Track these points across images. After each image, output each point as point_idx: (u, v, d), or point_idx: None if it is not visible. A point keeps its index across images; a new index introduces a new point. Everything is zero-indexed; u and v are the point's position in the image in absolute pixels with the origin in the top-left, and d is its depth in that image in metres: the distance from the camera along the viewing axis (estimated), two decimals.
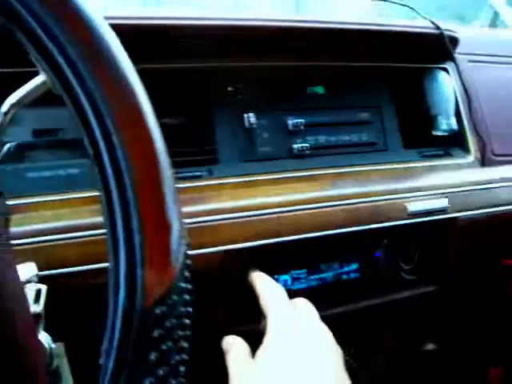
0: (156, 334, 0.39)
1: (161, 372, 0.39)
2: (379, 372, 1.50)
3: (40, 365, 0.47)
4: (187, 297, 0.41)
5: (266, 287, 0.73)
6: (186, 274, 0.42)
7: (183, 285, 0.41)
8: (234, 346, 0.68)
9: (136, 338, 0.38)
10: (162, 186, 0.40)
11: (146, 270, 0.38)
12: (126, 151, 0.39)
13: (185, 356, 0.42)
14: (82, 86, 0.39)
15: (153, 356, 0.38)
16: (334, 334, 0.66)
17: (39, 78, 0.65)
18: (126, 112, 0.40)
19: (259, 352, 0.63)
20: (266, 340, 0.64)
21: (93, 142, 0.39)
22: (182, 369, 0.41)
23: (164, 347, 0.39)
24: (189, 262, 0.43)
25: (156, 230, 0.39)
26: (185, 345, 0.41)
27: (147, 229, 0.39)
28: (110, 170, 0.39)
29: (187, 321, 0.42)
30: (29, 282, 0.66)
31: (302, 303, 0.71)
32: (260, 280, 0.75)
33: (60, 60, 0.38)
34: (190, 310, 0.42)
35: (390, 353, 1.58)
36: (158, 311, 0.39)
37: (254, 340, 0.65)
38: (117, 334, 0.38)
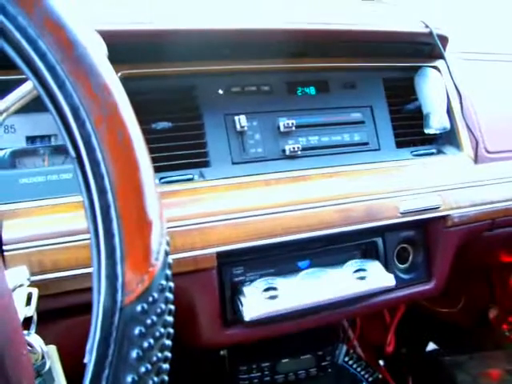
0: (137, 331, 0.39)
1: (142, 369, 0.39)
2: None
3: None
4: (169, 294, 0.42)
5: None
6: (168, 272, 0.42)
7: (164, 282, 0.41)
8: None
9: (117, 335, 0.38)
10: (141, 188, 0.41)
11: (126, 268, 0.39)
12: (106, 154, 0.39)
13: (167, 353, 0.42)
14: (61, 90, 0.39)
15: (134, 353, 0.39)
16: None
17: (27, 85, 0.66)
18: (105, 114, 0.40)
19: None
20: None
21: (74, 145, 0.40)
22: (164, 366, 0.42)
23: (145, 344, 0.39)
24: (170, 260, 0.43)
25: (135, 230, 0.40)
26: (167, 342, 0.42)
27: (126, 229, 0.39)
28: (90, 173, 0.40)
29: (169, 318, 0.42)
30: (20, 285, 0.66)
31: None
32: None
33: (40, 65, 0.39)
34: (172, 307, 0.43)
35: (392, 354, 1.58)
36: (138, 308, 0.39)
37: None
38: (98, 332, 0.39)
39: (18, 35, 0.38)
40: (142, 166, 0.41)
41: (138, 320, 0.39)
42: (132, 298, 0.39)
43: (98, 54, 0.42)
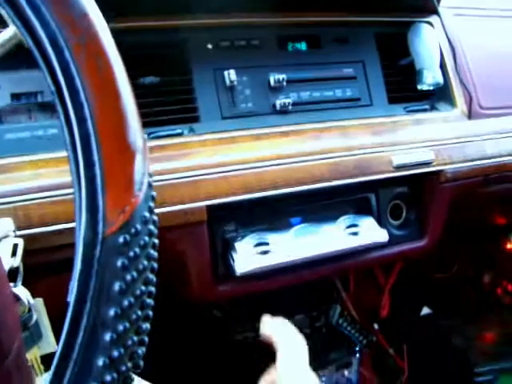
0: (119, 263, 0.38)
1: (126, 302, 0.38)
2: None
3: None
4: (152, 227, 0.41)
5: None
6: (151, 204, 0.41)
7: (147, 215, 0.40)
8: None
9: (98, 268, 0.37)
10: (123, 115, 0.39)
11: (107, 198, 0.38)
12: (85, 81, 0.38)
13: (151, 288, 0.41)
14: (38, 17, 0.38)
15: (117, 286, 0.38)
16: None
17: (9, 32, 0.64)
18: (84, 41, 0.39)
19: None
20: None
21: (52, 75, 0.38)
22: (148, 300, 0.41)
23: (128, 277, 0.38)
24: (154, 193, 0.42)
25: (116, 159, 0.39)
26: (151, 276, 0.41)
27: (107, 158, 0.38)
28: (69, 102, 0.38)
29: (153, 252, 0.41)
30: (6, 236, 0.65)
31: None
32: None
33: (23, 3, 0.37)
34: (156, 241, 0.42)
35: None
36: (120, 240, 0.38)
37: None
38: (79, 265, 0.37)
39: None
40: (122, 93, 0.39)
41: (121, 252, 0.38)
42: (113, 229, 0.38)
43: None
